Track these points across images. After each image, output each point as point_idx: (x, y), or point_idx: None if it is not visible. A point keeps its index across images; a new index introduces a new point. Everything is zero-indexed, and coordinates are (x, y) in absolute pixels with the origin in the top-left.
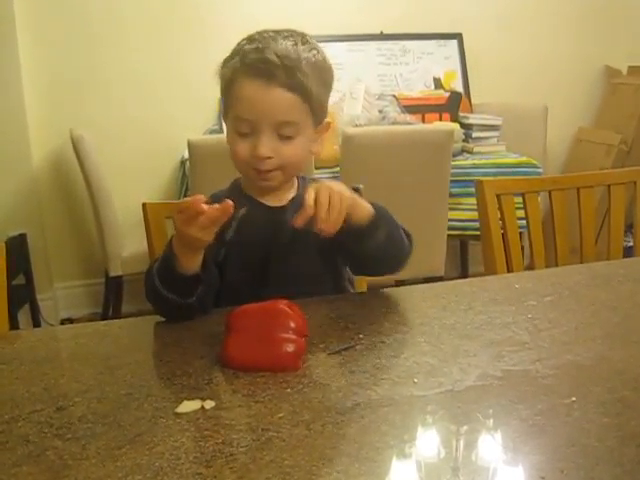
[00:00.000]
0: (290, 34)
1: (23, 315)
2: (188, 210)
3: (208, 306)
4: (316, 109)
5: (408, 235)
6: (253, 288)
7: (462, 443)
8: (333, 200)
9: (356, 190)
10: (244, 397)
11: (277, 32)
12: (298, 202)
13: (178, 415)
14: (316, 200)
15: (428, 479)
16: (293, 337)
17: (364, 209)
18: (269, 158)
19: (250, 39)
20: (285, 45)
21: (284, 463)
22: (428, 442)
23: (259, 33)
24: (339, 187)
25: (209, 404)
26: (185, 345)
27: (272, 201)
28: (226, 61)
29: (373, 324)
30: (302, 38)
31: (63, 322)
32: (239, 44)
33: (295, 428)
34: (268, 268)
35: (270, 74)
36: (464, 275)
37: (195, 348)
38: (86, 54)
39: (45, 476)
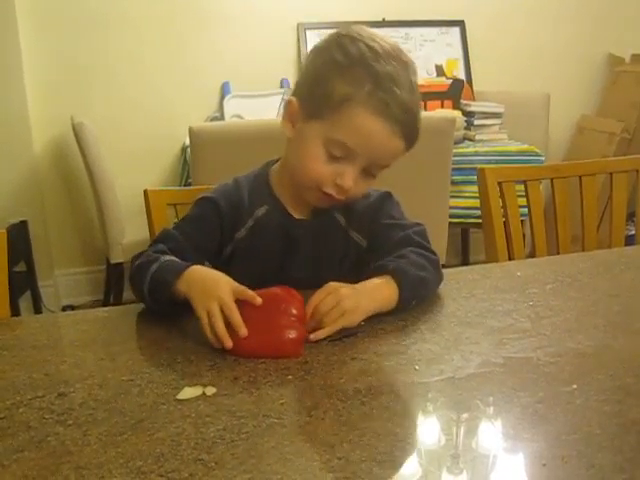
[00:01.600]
0: (406, 59)
1: (24, 302)
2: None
3: None
4: (412, 147)
5: (438, 264)
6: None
7: (463, 430)
8: (333, 312)
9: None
10: (245, 383)
11: (392, 48)
12: (321, 216)
13: (179, 401)
14: (318, 304)
15: (429, 466)
16: (295, 323)
17: (388, 306)
18: (350, 190)
19: (373, 50)
20: (411, 84)
21: (285, 449)
22: (429, 429)
23: (378, 43)
24: (352, 300)
25: (210, 390)
26: (186, 331)
27: (297, 209)
28: (343, 66)
29: None
30: (414, 68)
31: (64, 309)
32: (359, 49)
33: (296, 415)
34: (280, 276)
35: (398, 122)
36: (465, 263)
37: (196, 334)
38: (87, 41)
39: (47, 462)
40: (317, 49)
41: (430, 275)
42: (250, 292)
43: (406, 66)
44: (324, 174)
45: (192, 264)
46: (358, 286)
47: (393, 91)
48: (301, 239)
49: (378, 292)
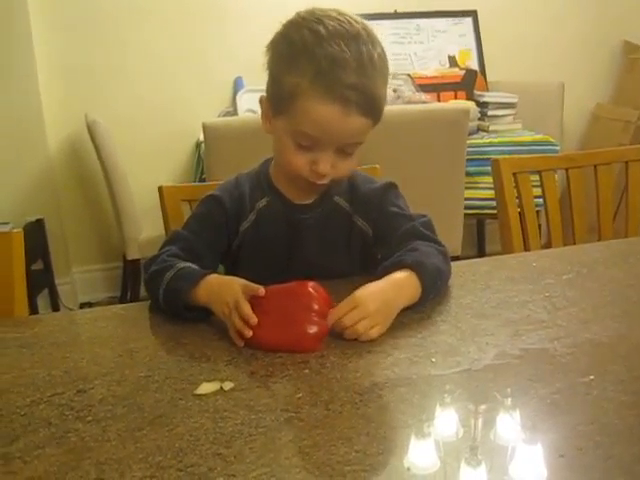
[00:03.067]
0: (356, 30)
1: (42, 300)
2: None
3: None
4: (380, 117)
5: (447, 254)
6: (272, 281)
7: (480, 422)
8: (357, 328)
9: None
10: (263, 378)
11: (340, 23)
12: (324, 201)
13: (197, 396)
14: (342, 318)
15: (447, 457)
16: (316, 319)
17: (412, 300)
18: (327, 174)
19: (316, 34)
20: (361, 58)
21: (303, 443)
22: (446, 421)
23: (322, 24)
24: (382, 313)
25: (228, 385)
26: (204, 327)
27: (297, 197)
28: (288, 59)
29: None
30: (368, 33)
31: (82, 306)
32: (302, 37)
33: (314, 408)
34: (288, 265)
35: (349, 101)
36: (481, 254)
37: (214, 329)
38: (100, 38)
39: (67, 457)
40: (270, 44)
41: (443, 266)
42: (255, 286)
43: (356, 39)
44: (299, 164)
45: (206, 273)
46: (385, 285)
47: (336, 74)
48: (305, 224)
49: (406, 287)
